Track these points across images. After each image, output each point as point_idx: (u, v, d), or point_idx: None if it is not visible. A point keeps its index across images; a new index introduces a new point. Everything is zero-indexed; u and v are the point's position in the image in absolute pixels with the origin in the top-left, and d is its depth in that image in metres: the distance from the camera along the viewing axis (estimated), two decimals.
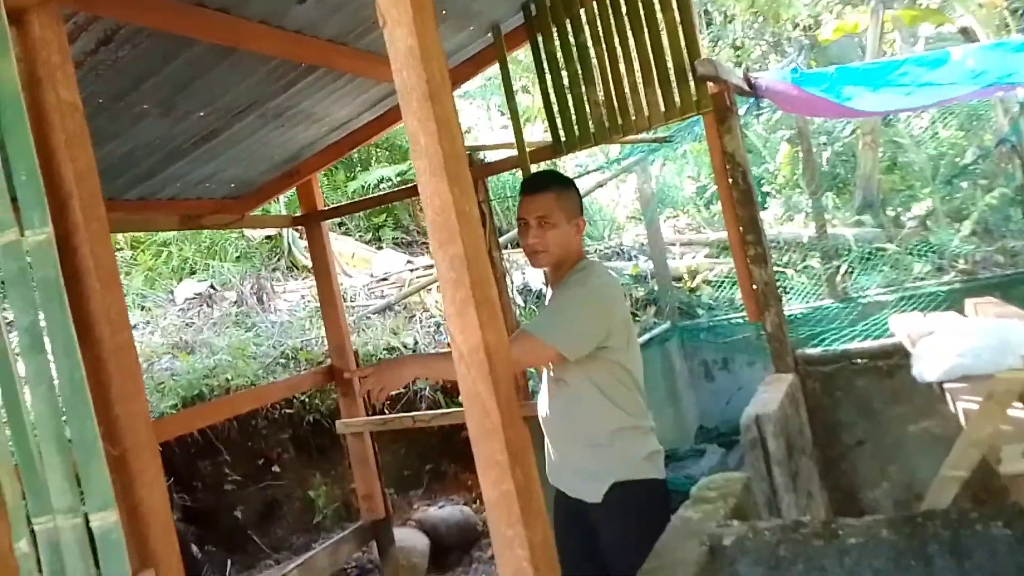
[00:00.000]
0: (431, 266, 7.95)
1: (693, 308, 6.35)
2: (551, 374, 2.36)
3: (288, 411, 4.89)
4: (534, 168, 3.66)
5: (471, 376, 1.18)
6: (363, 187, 8.99)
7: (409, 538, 4.39)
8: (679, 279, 6.71)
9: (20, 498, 1.46)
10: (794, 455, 2.61)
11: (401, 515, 4.64)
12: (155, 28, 2.36)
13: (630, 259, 7.50)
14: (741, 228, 3.16)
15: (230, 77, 3.00)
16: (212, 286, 6.86)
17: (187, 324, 5.90)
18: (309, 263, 8.41)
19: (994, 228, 6.48)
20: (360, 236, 9.00)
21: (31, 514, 1.43)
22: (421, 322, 6.13)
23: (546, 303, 2.52)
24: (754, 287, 3.13)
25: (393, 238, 9.21)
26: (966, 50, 3.65)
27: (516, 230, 2.50)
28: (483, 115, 11.26)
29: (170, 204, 3.90)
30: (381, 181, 9.06)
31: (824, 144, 7.92)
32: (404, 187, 4.28)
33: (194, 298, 6.46)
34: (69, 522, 1.37)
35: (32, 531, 1.45)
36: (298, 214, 4.43)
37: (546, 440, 2.46)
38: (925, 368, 2.32)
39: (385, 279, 7.54)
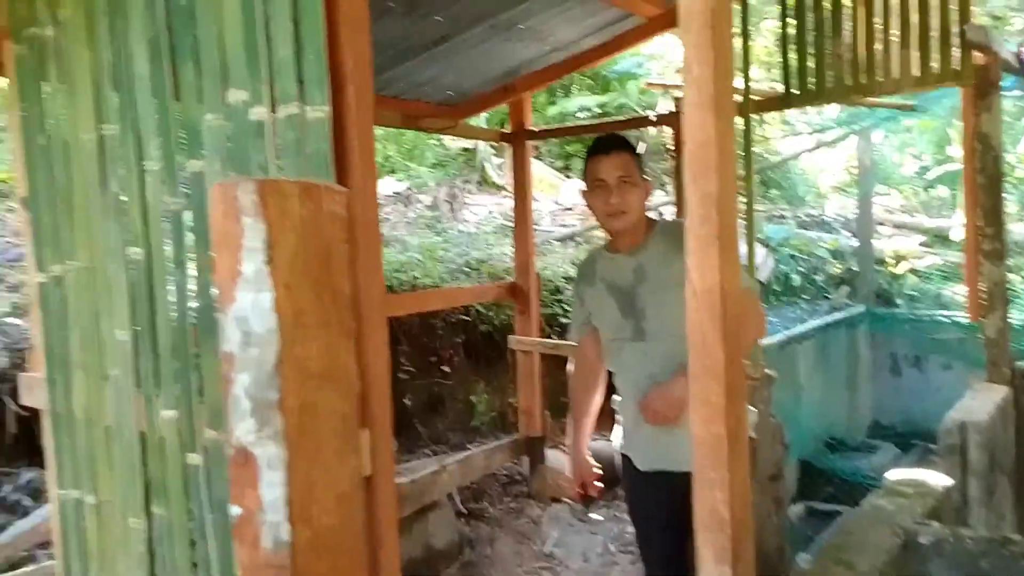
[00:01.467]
0: None
1: (892, 296, 5.89)
2: (656, 342, 2.22)
3: (464, 318, 5.13)
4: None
5: (700, 314, 1.18)
6: (561, 113, 8.99)
7: (558, 460, 4.53)
8: (881, 262, 6.23)
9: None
10: (994, 471, 2.40)
11: (553, 438, 4.78)
12: None
13: (829, 232, 7.04)
14: (981, 218, 2.86)
15: None
16: (409, 187, 7.22)
17: (384, 219, 6.27)
18: (499, 180, 8.66)
19: None
20: (551, 162, 9.06)
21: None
22: None
23: (618, 272, 2.33)
24: (981, 284, 2.85)
25: (582, 169, 9.20)
26: None
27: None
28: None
29: (393, 101, 4.10)
30: (580, 110, 9.01)
31: None
32: (618, 119, 4.21)
33: (392, 196, 6.84)
34: None
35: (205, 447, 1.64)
36: (506, 130, 4.51)
37: (631, 418, 2.31)
38: None
39: (570, 209, 7.58)
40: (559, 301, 5.63)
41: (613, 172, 2.20)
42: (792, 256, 6.23)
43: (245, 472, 0.65)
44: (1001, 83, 3.76)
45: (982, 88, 2.83)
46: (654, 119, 4.28)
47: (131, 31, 1.77)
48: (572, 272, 5.79)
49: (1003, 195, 2.93)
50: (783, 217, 7.16)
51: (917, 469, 1.76)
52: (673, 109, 4.20)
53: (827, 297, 5.89)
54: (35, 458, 4.19)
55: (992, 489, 2.39)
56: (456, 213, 6.80)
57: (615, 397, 2.44)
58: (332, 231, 0.62)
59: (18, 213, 5.32)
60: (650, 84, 6.82)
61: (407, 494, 3.47)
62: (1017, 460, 2.83)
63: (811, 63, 3.23)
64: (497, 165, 8.55)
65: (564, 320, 5.54)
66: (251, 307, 0.59)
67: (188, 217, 1.78)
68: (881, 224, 7.13)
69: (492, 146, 8.26)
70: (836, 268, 6.18)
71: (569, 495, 2.36)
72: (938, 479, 1.71)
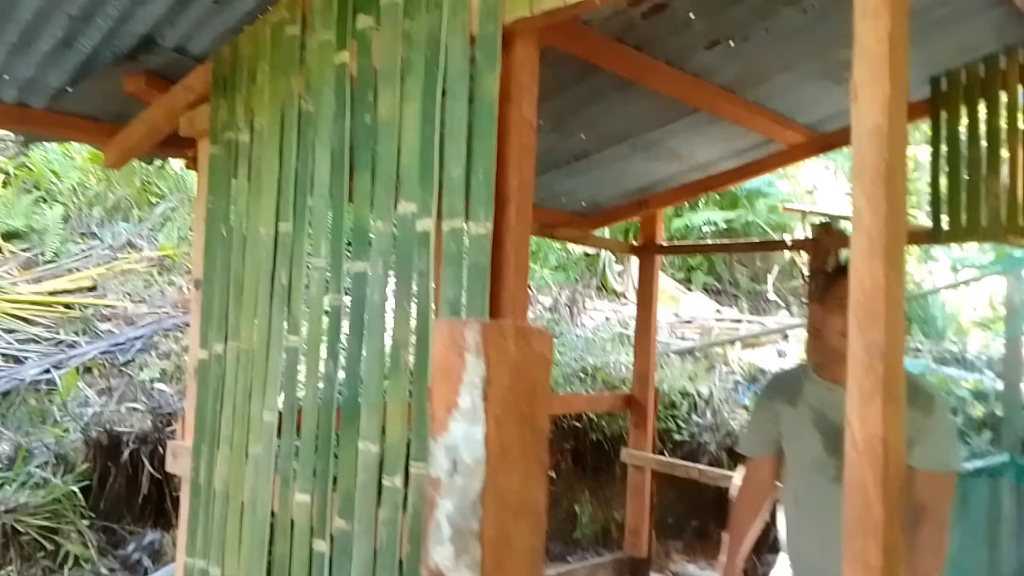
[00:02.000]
0: (739, 320, 7.73)
1: None
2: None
3: (576, 424, 5.08)
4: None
5: (860, 466, 1.13)
6: (687, 226, 9.02)
7: None
8: None
9: (404, 440, 1.71)
10: None
11: (657, 560, 4.57)
12: (576, 55, 2.60)
13: (971, 370, 6.58)
14: None
15: (620, 107, 3.20)
16: (529, 287, 7.38)
17: None
18: (619, 287, 8.70)
19: None
20: (672, 273, 9.04)
21: (411, 457, 1.66)
22: (720, 375, 5.98)
23: (831, 404, 2.17)
24: None
25: (704, 283, 9.12)
26: None
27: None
28: (828, 175, 10.63)
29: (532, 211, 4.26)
30: (706, 224, 9.01)
31: None
32: (754, 240, 4.19)
33: None
34: None
35: (407, 472, 1.68)
36: (635, 242, 4.57)
37: (809, 558, 2.19)
38: None
39: (689, 322, 7.49)
40: (674, 416, 5.49)
41: None
42: None
43: None
44: None
45: None
46: (790, 243, 4.23)
47: (318, 142, 1.96)
48: (689, 387, 5.66)
49: None
50: (919, 350, 6.77)
51: None
52: (809, 234, 4.14)
53: (967, 442, 5.45)
54: (160, 520, 4.41)
55: None
56: (575, 317, 6.85)
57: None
58: (539, 371, 0.66)
59: (187, 291, 5.79)
60: (788, 208, 6.75)
61: None
62: None
63: (964, 200, 3.13)
64: (618, 272, 8.62)
65: (678, 437, 5.38)
66: (463, 438, 0.63)
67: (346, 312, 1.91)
68: None
69: (613, 253, 8.36)
70: (978, 411, 5.74)
71: None
72: None
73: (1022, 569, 5.13)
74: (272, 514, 2.10)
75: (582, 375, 5.46)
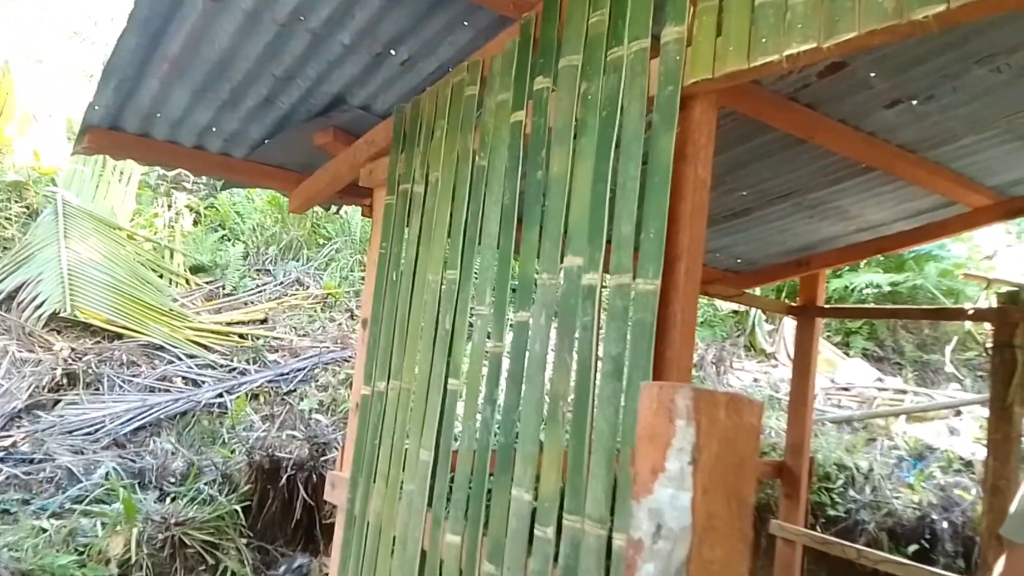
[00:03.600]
0: (904, 391, 7.16)
1: None
2: None
3: None
4: None
5: None
6: (846, 287, 8.53)
7: None
8: None
9: (558, 491, 1.71)
10: None
11: None
12: (746, 114, 2.56)
13: None
14: None
15: (785, 165, 3.11)
16: None
17: None
18: (768, 347, 8.33)
19: None
20: (828, 336, 8.55)
21: (565, 509, 1.66)
22: (881, 449, 5.55)
23: None
24: None
25: (863, 348, 8.55)
26: None
27: None
28: (1010, 239, 9.74)
29: None
30: (868, 286, 8.48)
31: None
32: (928, 308, 3.91)
33: None
34: (595, 530, 1.55)
35: (559, 524, 1.68)
36: (794, 303, 4.38)
37: None
38: None
39: (847, 389, 7.03)
40: (828, 490, 5.13)
41: None
42: None
43: None
44: None
45: None
46: (970, 312, 3.90)
47: (489, 196, 2.05)
48: (847, 460, 5.28)
49: None
50: None
51: None
52: (994, 303, 3.80)
53: None
54: (309, 545, 4.63)
55: None
56: (721, 376, 6.62)
57: None
58: (747, 442, 0.65)
59: (346, 327, 6.13)
60: (968, 276, 6.23)
61: None
62: None
63: None
64: (769, 331, 8.27)
65: (832, 513, 5.02)
66: (668, 503, 0.64)
67: (506, 361, 1.95)
68: None
69: (764, 312, 8.04)
70: None
71: None
72: None
73: None
74: (423, 552, 2.15)
75: None
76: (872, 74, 2.41)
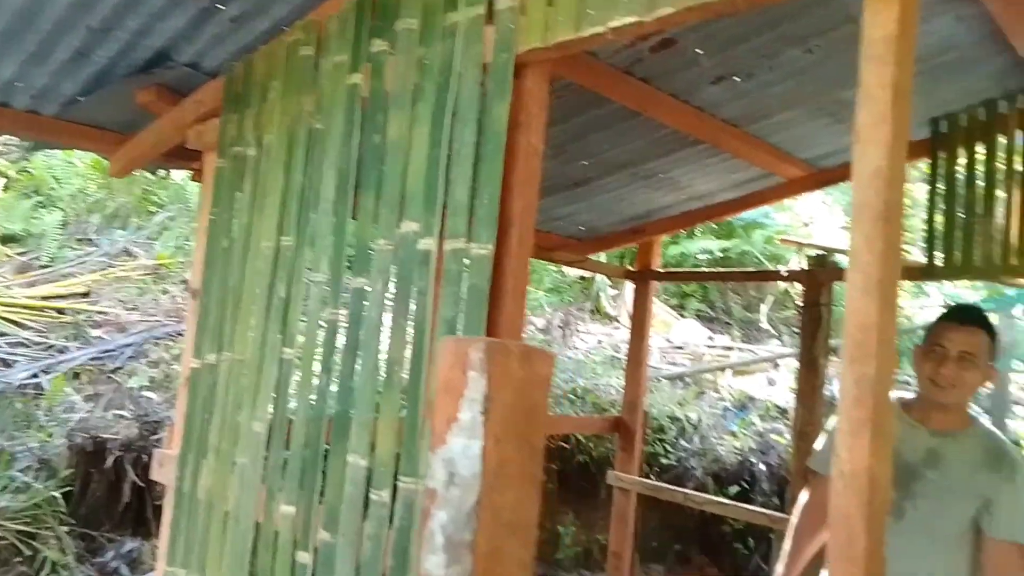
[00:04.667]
0: (730, 347, 7.76)
1: None
2: (912, 535, 2.08)
3: (564, 445, 5.08)
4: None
5: (846, 498, 1.15)
6: (682, 254, 9.08)
7: None
8: (1017, 443, 5.77)
9: (393, 456, 1.71)
10: None
11: None
12: (584, 86, 2.63)
13: None
14: None
15: (622, 137, 3.24)
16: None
17: None
18: (612, 311, 8.73)
19: None
20: (665, 299, 9.08)
21: (400, 472, 1.67)
22: (710, 401, 6.00)
23: (910, 442, 2.15)
24: None
25: (697, 310, 9.17)
26: None
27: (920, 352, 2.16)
28: (825, 209, 10.71)
29: None
30: (702, 252, 9.07)
31: None
32: (748, 270, 4.22)
33: None
34: None
35: (395, 486, 1.69)
36: (631, 267, 4.60)
37: None
38: None
39: (681, 348, 7.51)
40: (661, 441, 5.50)
41: (959, 345, 2.06)
42: None
43: None
44: None
45: None
46: (785, 274, 4.27)
47: (325, 160, 1.99)
48: (678, 412, 5.67)
49: None
50: (908, 383, 6.82)
51: None
52: (805, 266, 4.18)
53: None
54: (140, 528, 4.37)
55: None
56: (567, 339, 6.87)
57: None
58: (539, 392, 0.68)
59: (181, 300, 5.77)
60: (785, 240, 6.80)
61: None
62: None
63: (959, 239, 3.17)
64: (611, 296, 8.65)
65: (665, 461, 5.39)
66: (461, 452, 0.65)
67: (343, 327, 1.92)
68: (1017, 403, 6.69)
69: (609, 278, 8.40)
70: None
71: None
72: None
73: None
74: (256, 525, 2.09)
75: (572, 397, 5.47)
76: (699, 51, 2.54)
